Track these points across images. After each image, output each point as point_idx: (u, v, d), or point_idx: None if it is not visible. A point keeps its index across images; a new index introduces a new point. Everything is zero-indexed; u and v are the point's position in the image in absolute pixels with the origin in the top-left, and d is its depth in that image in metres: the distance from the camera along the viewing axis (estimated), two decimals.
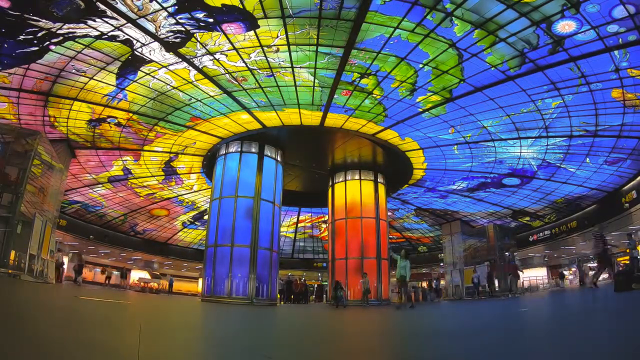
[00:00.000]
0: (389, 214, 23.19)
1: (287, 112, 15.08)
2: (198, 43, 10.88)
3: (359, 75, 12.29)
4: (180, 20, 9.90)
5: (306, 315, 8.91)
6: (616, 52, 10.13)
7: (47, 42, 10.46)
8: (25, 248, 11.09)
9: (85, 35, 10.30)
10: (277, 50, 11.26)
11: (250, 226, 15.62)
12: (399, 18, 9.62)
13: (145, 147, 17.63)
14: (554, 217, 23.85)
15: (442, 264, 28.03)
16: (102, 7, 9.22)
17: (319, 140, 17.51)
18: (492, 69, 11.38)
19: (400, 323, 5.75)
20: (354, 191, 19.59)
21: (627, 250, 15.90)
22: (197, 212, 27.59)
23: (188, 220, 29.23)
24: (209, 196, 18.86)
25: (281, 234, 23.22)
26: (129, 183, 21.82)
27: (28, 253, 11.13)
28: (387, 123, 15.29)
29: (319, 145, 18.14)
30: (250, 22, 10.00)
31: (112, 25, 9.91)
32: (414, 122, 15.01)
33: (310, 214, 29.51)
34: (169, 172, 20.76)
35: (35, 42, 10.35)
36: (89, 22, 9.75)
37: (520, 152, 16.64)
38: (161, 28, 10.17)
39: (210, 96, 13.79)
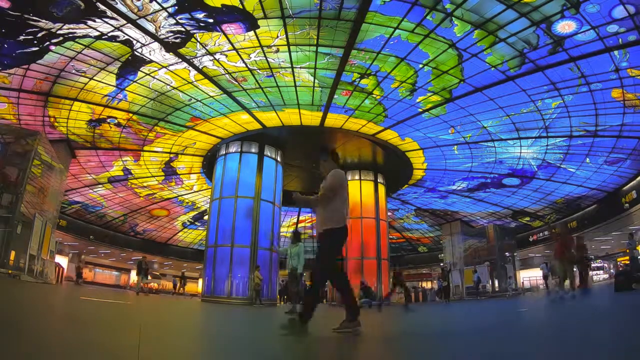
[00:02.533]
0: (389, 214, 23.19)
1: (287, 113, 15.08)
2: (198, 43, 10.88)
3: (359, 75, 12.29)
4: (180, 21, 9.90)
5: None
6: (616, 52, 10.14)
7: (47, 43, 10.46)
8: (25, 248, 11.07)
9: (85, 36, 10.30)
10: (277, 51, 11.26)
11: (250, 226, 15.62)
12: (399, 18, 9.62)
13: (145, 148, 17.63)
14: (554, 217, 23.85)
15: (442, 264, 28.02)
16: (102, 7, 9.22)
17: (319, 141, 17.49)
18: (492, 69, 11.38)
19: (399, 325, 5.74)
20: (354, 191, 19.57)
21: (627, 251, 15.91)
22: (197, 212, 27.58)
23: (188, 220, 29.22)
24: (209, 196, 18.86)
25: (281, 234, 23.21)
26: (129, 183, 21.82)
27: (28, 253, 11.12)
28: (387, 123, 15.29)
29: (319, 146, 18.10)
30: (250, 23, 10.00)
31: (112, 25, 9.91)
32: (414, 123, 15.00)
33: (310, 215, 29.50)
34: (169, 172, 20.76)
35: (35, 42, 10.35)
36: (89, 22, 9.75)
37: (520, 152, 16.64)
38: (161, 28, 10.17)
39: (210, 96, 13.79)
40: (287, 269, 8.25)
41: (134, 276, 36.08)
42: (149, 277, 17.38)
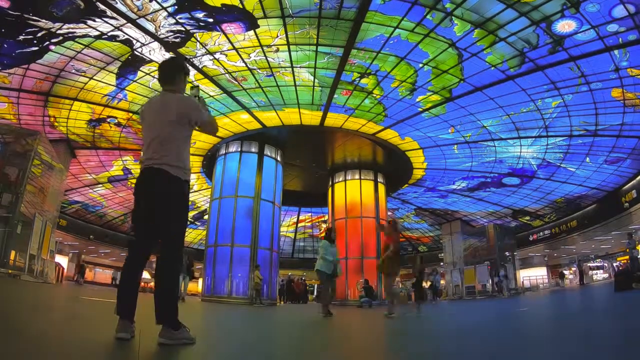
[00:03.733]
0: (389, 213, 23.18)
1: (287, 112, 15.08)
2: (198, 43, 10.88)
3: (359, 75, 12.29)
4: (180, 20, 9.90)
5: (307, 315, 8.91)
6: (616, 52, 10.13)
7: (47, 42, 10.44)
8: (25, 248, 11.08)
9: (85, 35, 10.29)
10: (277, 50, 11.26)
11: (250, 226, 15.62)
12: (398, 18, 9.62)
13: None
14: (554, 216, 23.85)
15: (442, 264, 28.09)
16: (102, 7, 9.21)
17: (319, 140, 17.50)
18: (492, 68, 11.37)
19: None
20: (353, 191, 19.59)
21: (627, 250, 15.92)
22: (197, 212, 27.58)
23: (188, 220, 29.20)
24: (209, 196, 18.86)
25: (281, 234, 23.22)
26: (129, 183, 21.80)
27: (28, 253, 11.13)
28: (387, 123, 15.29)
29: (319, 145, 18.13)
30: (250, 22, 10.00)
31: (112, 25, 9.90)
32: (413, 122, 15.00)
33: (310, 214, 29.51)
34: None
35: (35, 42, 10.34)
36: (89, 22, 9.74)
37: (520, 152, 16.64)
38: (161, 28, 10.17)
39: (210, 96, 13.78)
40: (328, 270, 7.16)
41: None
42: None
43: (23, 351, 1.72)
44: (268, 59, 11.65)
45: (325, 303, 6.88)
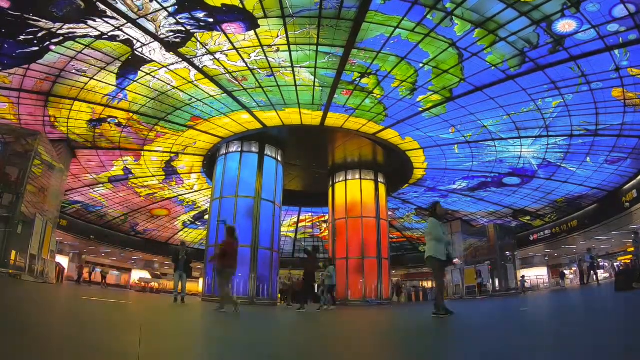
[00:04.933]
0: (390, 213, 23.19)
1: (287, 112, 15.08)
2: (198, 43, 10.88)
3: (359, 74, 12.28)
4: (181, 20, 9.90)
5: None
6: (616, 51, 10.12)
7: (47, 43, 10.45)
8: (26, 248, 11.10)
9: (86, 35, 10.30)
10: (278, 50, 11.26)
11: (251, 226, 15.62)
12: (399, 17, 9.61)
13: (146, 147, 17.63)
14: (555, 216, 23.83)
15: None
16: (102, 7, 9.22)
17: (320, 140, 17.51)
18: (493, 68, 11.36)
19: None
20: (354, 191, 19.59)
21: (633, 249, 15.85)
22: (197, 211, 27.59)
23: (189, 220, 29.24)
24: (210, 196, 18.88)
25: (282, 233, 23.23)
26: (130, 183, 21.82)
27: (28, 253, 11.14)
28: (388, 122, 15.29)
29: (320, 145, 18.14)
30: (250, 22, 10.00)
31: (112, 25, 9.90)
32: (414, 122, 15.00)
33: (310, 214, 29.51)
34: (170, 171, 20.77)
35: (36, 42, 10.35)
36: (89, 22, 9.75)
37: (521, 152, 16.63)
38: (161, 28, 10.17)
39: (211, 96, 13.79)
40: (442, 256, 5.38)
41: (134, 276, 36.15)
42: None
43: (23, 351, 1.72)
44: (268, 58, 11.65)
45: (439, 301, 5.42)
